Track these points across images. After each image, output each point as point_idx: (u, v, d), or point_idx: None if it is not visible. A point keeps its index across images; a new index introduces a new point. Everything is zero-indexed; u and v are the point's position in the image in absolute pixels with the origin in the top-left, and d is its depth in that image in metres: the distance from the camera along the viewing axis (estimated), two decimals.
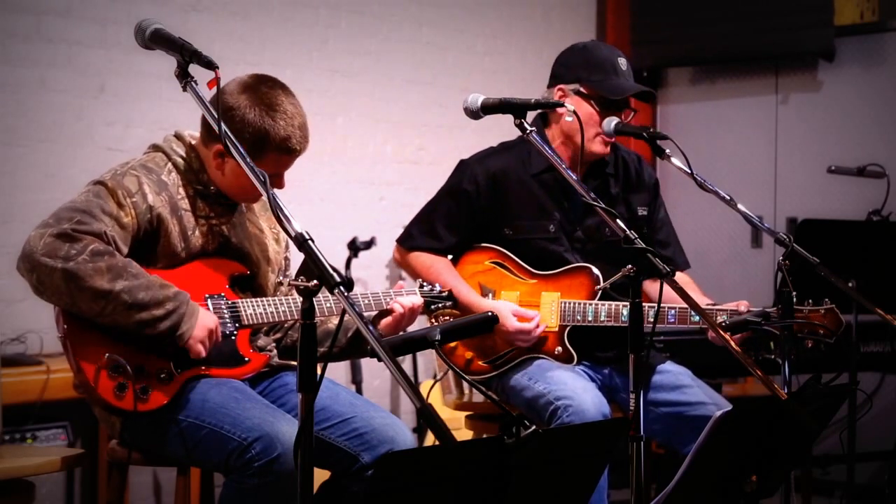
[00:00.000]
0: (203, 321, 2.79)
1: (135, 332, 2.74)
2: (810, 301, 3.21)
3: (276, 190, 2.22)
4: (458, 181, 3.53)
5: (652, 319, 3.26)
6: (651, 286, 3.49)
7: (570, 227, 3.48)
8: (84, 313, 2.71)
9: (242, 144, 2.75)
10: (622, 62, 3.42)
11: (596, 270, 3.43)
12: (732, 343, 2.52)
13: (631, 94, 3.41)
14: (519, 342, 3.39)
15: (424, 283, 3.24)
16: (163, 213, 2.85)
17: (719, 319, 3.22)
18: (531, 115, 3.40)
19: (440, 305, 3.19)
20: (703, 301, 3.37)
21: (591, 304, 3.39)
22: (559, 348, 3.41)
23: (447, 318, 3.21)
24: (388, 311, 3.07)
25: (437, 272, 3.46)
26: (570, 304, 3.40)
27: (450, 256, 3.56)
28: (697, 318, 3.28)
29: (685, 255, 3.69)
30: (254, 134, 2.84)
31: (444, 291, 3.23)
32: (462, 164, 3.57)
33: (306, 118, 2.92)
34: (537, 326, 3.38)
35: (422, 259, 3.53)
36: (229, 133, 2.31)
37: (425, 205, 3.60)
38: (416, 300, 3.10)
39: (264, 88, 2.89)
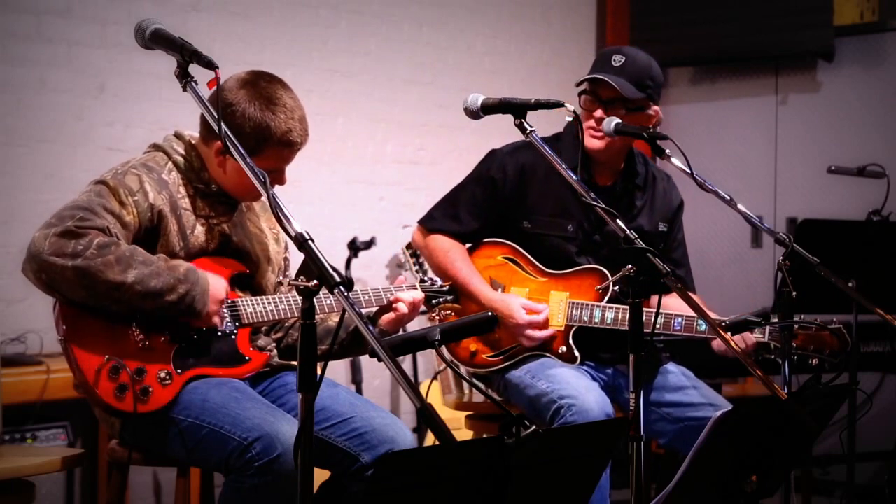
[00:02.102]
0: (214, 294, 2.83)
1: (151, 314, 2.78)
2: (818, 319, 3.20)
3: (276, 189, 2.22)
4: (486, 168, 3.55)
5: (658, 327, 3.27)
6: (665, 299, 3.46)
7: (591, 229, 3.49)
8: (99, 304, 2.73)
9: (244, 139, 2.76)
10: (617, 58, 3.40)
11: (606, 272, 3.43)
12: (733, 343, 2.52)
13: (588, 79, 3.40)
14: (526, 339, 3.39)
15: (425, 278, 3.26)
16: (164, 211, 2.85)
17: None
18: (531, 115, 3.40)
19: (441, 300, 3.20)
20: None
21: (598, 307, 3.39)
22: (563, 347, 3.42)
23: (448, 311, 3.23)
24: (390, 307, 3.08)
25: (453, 258, 3.49)
26: (577, 304, 3.40)
27: (468, 245, 3.57)
28: (704, 327, 3.28)
29: (693, 282, 3.70)
30: (255, 128, 2.84)
31: (444, 286, 3.24)
32: (492, 153, 3.59)
33: (305, 112, 2.93)
34: (547, 324, 3.38)
35: (440, 242, 3.54)
36: (229, 133, 2.31)
37: (451, 189, 3.62)
38: (418, 295, 3.11)
39: (263, 83, 2.90)
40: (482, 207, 3.53)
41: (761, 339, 3.27)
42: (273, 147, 2.87)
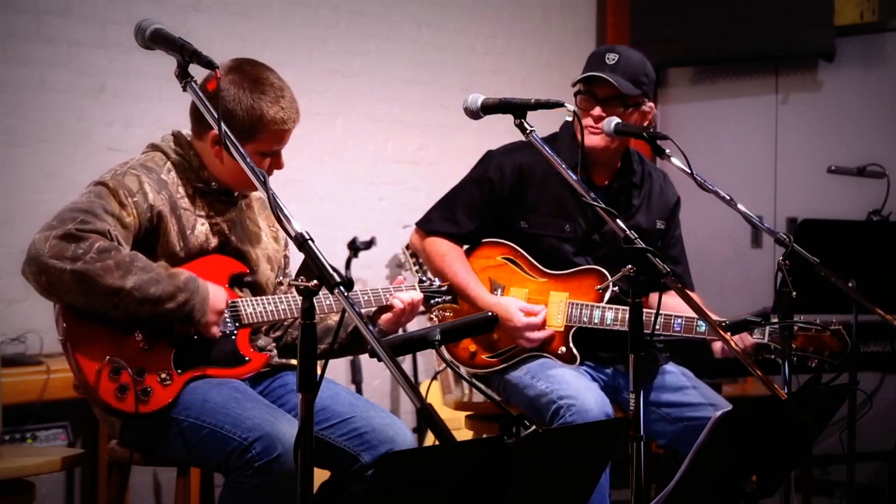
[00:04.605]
0: (214, 305, 2.81)
1: (149, 321, 2.77)
2: (817, 319, 3.20)
3: (276, 189, 2.21)
4: (483, 170, 3.56)
5: (657, 328, 3.27)
6: (665, 299, 3.46)
7: (590, 229, 3.49)
8: (97, 309, 2.73)
9: (236, 124, 2.77)
10: (610, 56, 3.41)
11: (606, 273, 3.43)
12: (733, 343, 2.52)
13: (582, 79, 3.40)
14: (525, 340, 3.39)
15: (424, 278, 3.25)
16: (163, 212, 2.85)
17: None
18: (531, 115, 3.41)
19: (439, 300, 3.20)
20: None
21: (597, 307, 3.39)
22: (563, 348, 3.42)
23: (447, 312, 3.23)
24: (388, 307, 3.07)
25: (451, 261, 3.49)
26: (577, 304, 3.40)
27: (465, 247, 3.57)
28: (703, 328, 3.28)
29: (691, 278, 3.70)
30: (246, 110, 2.84)
31: (443, 286, 3.24)
32: (489, 154, 3.59)
33: (293, 92, 2.93)
34: (545, 325, 3.39)
35: (438, 245, 3.55)
36: (230, 133, 2.30)
37: (449, 191, 3.62)
38: (416, 295, 3.10)
39: (247, 67, 2.90)
40: (480, 209, 3.54)
41: (760, 341, 3.27)
42: (266, 128, 2.86)
